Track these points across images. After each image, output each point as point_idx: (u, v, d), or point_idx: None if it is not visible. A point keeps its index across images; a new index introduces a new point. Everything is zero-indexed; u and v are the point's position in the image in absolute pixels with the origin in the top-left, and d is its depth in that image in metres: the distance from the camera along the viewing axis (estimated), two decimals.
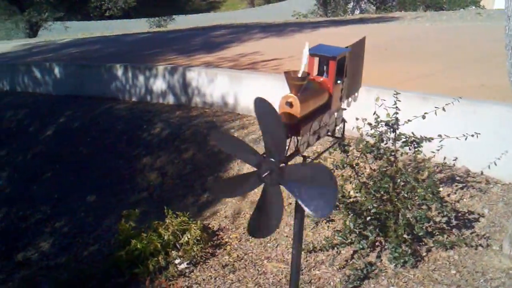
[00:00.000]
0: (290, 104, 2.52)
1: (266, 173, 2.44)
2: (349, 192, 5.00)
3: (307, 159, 2.82)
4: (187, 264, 5.07)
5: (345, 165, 4.68)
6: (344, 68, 2.87)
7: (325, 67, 2.80)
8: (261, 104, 2.39)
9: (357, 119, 4.50)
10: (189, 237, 5.12)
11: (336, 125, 3.00)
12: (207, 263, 5.11)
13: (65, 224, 7.04)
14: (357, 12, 28.53)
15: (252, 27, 17.37)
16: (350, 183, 4.95)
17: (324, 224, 5.26)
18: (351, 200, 4.86)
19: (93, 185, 7.42)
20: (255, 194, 5.92)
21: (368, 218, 4.61)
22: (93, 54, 13.37)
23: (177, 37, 16.09)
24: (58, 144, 8.72)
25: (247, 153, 2.56)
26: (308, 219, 5.15)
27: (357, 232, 4.69)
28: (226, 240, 5.49)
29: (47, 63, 11.04)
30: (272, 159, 2.41)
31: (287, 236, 5.24)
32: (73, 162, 8.15)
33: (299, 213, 2.82)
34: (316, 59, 2.74)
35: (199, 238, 5.18)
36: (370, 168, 4.90)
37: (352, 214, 4.62)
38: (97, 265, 5.84)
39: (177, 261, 5.09)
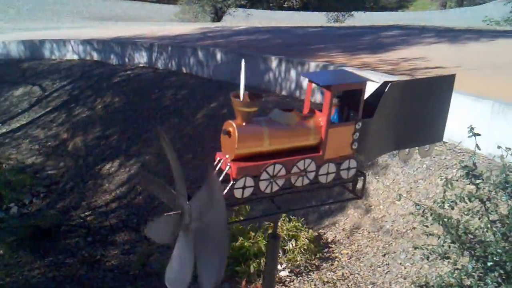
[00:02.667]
0: (228, 133, 2.15)
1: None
2: (475, 229, 4.52)
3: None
4: (289, 272, 4.96)
5: (472, 199, 4.19)
6: (360, 105, 2.29)
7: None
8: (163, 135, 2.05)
9: (499, 147, 3.97)
10: (294, 245, 5.00)
11: (348, 180, 2.42)
12: (309, 276, 4.95)
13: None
14: None
15: (427, 30, 16.58)
16: (479, 219, 4.46)
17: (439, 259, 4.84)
18: (476, 239, 4.39)
19: None
20: (380, 210, 5.63)
21: (490, 264, 4.11)
22: (260, 43, 13.61)
23: (347, 34, 15.85)
24: (205, 127, 9.01)
25: (170, 196, 2.12)
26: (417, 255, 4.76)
27: (475, 277, 4.22)
28: (336, 254, 5.27)
29: (211, 48, 11.46)
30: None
31: (400, 264, 4.89)
32: (214, 148, 8.37)
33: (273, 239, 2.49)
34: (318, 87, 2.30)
35: (305, 248, 5.04)
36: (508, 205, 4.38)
37: (472, 256, 4.16)
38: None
39: (280, 267, 5.00)
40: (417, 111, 2.46)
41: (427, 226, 4.16)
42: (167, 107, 10.32)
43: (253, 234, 5.23)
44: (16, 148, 10.92)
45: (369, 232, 5.54)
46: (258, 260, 5.05)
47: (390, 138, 2.47)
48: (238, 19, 28.04)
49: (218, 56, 11.10)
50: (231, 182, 2.15)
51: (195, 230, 1.97)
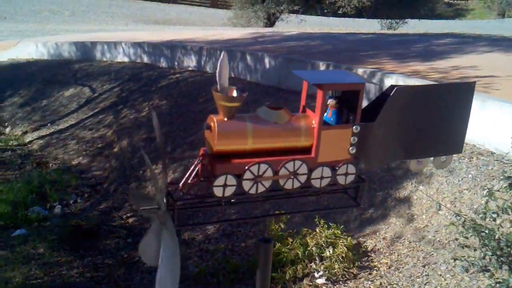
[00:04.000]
0: (209, 128, 2.04)
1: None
2: None
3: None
4: (325, 280, 4.80)
5: None
6: (358, 107, 2.12)
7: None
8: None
9: None
10: (331, 252, 4.83)
11: (347, 186, 2.27)
12: (346, 284, 4.78)
13: (234, 212, 7.14)
14: None
15: (482, 39, 16.08)
16: None
17: (477, 272, 4.59)
18: None
19: None
20: (422, 220, 5.42)
21: None
22: (310, 49, 13.46)
23: (398, 41, 15.52)
24: None
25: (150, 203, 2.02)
26: (458, 266, 4.54)
27: None
28: (375, 264, 5.08)
29: (260, 52, 11.37)
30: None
31: (440, 275, 4.67)
32: None
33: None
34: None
35: (344, 255, 4.87)
36: None
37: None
38: (247, 259, 5.84)
39: (316, 274, 4.84)
40: (431, 118, 2.27)
41: (466, 238, 4.00)
42: (214, 111, 10.24)
43: (290, 240, 5.10)
44: (63, 148, 11.06)
45: (410, 242, 5.36)
46: (294, 267, 4.92)
47: (398, 146, 2.30)
48: (291, 25, 27.94)
49: (266, 60, 11.00)
50: (211, 179, 2.03)
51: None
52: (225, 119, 2.02)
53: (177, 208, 2.06)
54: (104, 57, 15.58)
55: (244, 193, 2.10)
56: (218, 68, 2.05)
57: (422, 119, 2.26)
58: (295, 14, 29.49)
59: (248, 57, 11.58)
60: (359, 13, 29.75)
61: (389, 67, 9.88)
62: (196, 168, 2.14)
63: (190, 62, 13.21)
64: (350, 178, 2.25)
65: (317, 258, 4.93)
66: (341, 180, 2.24)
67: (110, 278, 6.02)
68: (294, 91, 9.86)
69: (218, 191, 2.05)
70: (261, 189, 2.10)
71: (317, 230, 5.10)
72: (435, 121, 2.29)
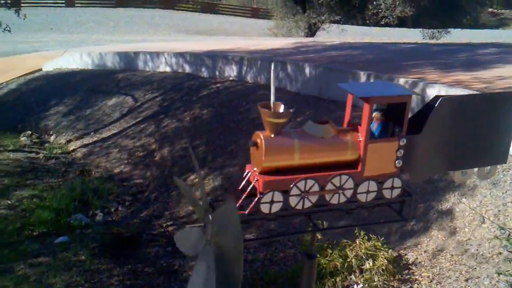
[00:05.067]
0: (256, 145, 2.00)
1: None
2: None
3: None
4: None
5: None
6: (404, 119, 2.07)
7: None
8: None
9: None
10: (371, 264, 4.75)
11: (393, 200, 2.20)
12: None
13: (274, 223, 7.12)
14: None
15: None
16: None
17: None
18: None
19: None
20: (465, 233, 5.29)
21: None
22: (351, 59, 13.37)
23: (441, 51, 15.29)
24: None
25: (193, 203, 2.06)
26: (502, 281, 4.40)
27: None
28: (417, 277, 4.98)
29: (300, 62, 11.35)
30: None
31: None
32: None
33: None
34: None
35: (384, 268, 4.78)
36: None
37: None
38: (286, 269, 5.79)
39: (356, 287, 4.77)
40: (475, 129, 2.21)
41: (511, 252, 3.88)
42: (254, 120, 10.27)
43: (330, 251, 5.03)
44: (106, 156, 11.22)
45: (452, 255, 5.24)
46: (333, 279, 4.85)
47: (442, 157, 2.24)
48: (332, 35, 27.85)
49: (307, 70, 10.97)
50: (258, 196, 2.00)
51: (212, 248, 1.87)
52: (272, 135, 1.99)
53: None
54: (147, 67, 15.78)
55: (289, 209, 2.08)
56: (271, 85, 2.04)
57: (467, 129, 2.21)
58: (336, 24, 29.36)
59: (289, 67, 11.57)
60: (402, 23, 29.41)
61: (431, 77, 9.72)
62: (243, 185, 2.13)
63: (231, 72, 13.26)
64: (396, 192, 2.21)
65: (356, 270, 4.86)
66: (387, 194, 2.20)
67: (149, 286, 6.06)
68: (335, 101, 9.79)
69: (265, 208, 2.02)
70: (307, 204, 2.08)
71: (357, 241, 5.03)
72: (480, 131, 2.23)
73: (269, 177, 2.02)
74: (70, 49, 19.73)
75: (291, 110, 2.03)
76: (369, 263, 4.82)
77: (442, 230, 5.62)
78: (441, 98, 2.12)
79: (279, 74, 11.85)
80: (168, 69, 15.14)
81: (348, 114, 2.22)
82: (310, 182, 2.04)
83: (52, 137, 13.31)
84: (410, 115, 2.15)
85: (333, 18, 28.09)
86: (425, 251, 5.42)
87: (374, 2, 25.84)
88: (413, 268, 5.19)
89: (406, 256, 5.39)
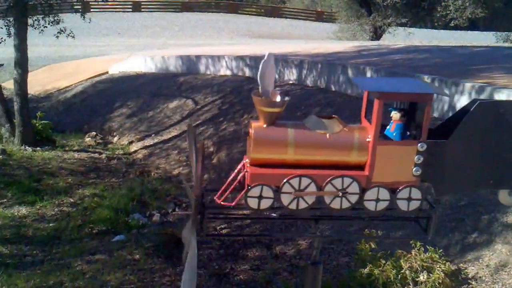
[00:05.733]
0: (249, 135, 1.90)
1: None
2: None
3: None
4: None
5: None
6: (424, 121, 1.83)
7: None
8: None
9: None
10: (425, 277, 4.54)
11: (408, 211, 1.96)
12: None
13: (329, 227, 6.99)
14: None
15: None
16: None
17: None
18: None
19: None
20: None
21: None
22: (415, 63, 13.04)
23: None
24: None
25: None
26: None
27: None
28: None
29: (361, 66, 11.15)
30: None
31: None
32: None
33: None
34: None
35: (440, 281, 4.56)
36: None
37: None
38: (338, 278, 5.65)
39: None
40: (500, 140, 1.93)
41: None
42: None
43: (383, 262, 4.86)
44: (165, 158, 11.36)
45: None
46: None
47: (482, 171, 1.95)
48: (398, 38, 27.32)
49: (368, 74, 10.76)
50: (245, 189, 1.89)
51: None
52: (264, 125, 1.88)
53: (207, 217, 1.96)
54: (208, 70, 15.91)
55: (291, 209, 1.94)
56: (260, 70, 1.90)
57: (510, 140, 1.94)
58: (403, 27, 28.81)
59: (350, 70, 11.38)
60: (473, 25, 28.57)
61: (501, 81, 9.32)
62: (238, 177, 2.02)
63: (291, 75, 13.18)
64: (414, 204, 1.97)
65: (410, 283, 4.66)
66: (402, 205, 1.97)
67: None
68: None
69: (252, 203, 1.92)
70: (302, 205, 1.92)
71: (413, 252, 4.82)
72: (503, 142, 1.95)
73: (258, 169, 1.89)
74: (135, 53, 20.14)
75: (286, 99, 1.89)
76: (423, 276, 4.61)
77: (507, 244, 5.34)
78: (478, 102, 1.90)
79: (340, 77, 11.67)
80: (228, 73, 15.21)
81: (363, 111, 2.05)
82: (305, 181, 1.88)
83: (115, 138, 13.60)
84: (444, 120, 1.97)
85: (399, 21, 27.62)
86: (487, 266, 5.15)
87: (443, 3, 25.17)
88: (473, 283, 4.94)
89: (465, 270, 5.14)
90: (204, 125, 12.16)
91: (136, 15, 41.80)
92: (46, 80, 18.94)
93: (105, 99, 16.17)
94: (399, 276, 4.69)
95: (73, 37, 13.13)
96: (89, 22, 13.90)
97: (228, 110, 12.42)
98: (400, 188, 1.95)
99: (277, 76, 13.50)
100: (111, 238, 7.55)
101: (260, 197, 1.91)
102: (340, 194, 1.93)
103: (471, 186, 2.12)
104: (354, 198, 1.94)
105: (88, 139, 13.38)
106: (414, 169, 1.92)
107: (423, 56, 14.86)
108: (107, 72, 18.83)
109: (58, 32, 12.89)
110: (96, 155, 12.05)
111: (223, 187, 1.99)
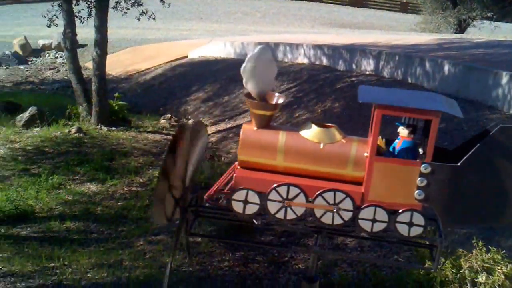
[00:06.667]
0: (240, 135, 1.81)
1: None
2: None
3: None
4: None
5: None
6: (429, 141, 1.66)
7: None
8: None
9: None
10: (484, 279, 4.38)
11: (409, 236, 1.79)
12: None
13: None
14: None
15: None
16: None
17: None
18: None
19: None
20: None
21: None
22: (496, 58, 12.52)
23: None
24: None
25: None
26: None
27: None
28: None
29: (439, 59, 10.82)
30: None
31: None
32: None
33: None
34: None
35: (500, 284, 4.39)
36: None
37: None
38: (396, 273, 5.57)
39: None
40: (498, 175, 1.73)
41: None
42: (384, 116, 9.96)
43: (443, 260, 4.73)
44: (236, 143, 11.44)
45: None
46: None
47: (499, 203, 1.72)
48: (483, 32, 26.30)
49: (446, 67, 10.44)
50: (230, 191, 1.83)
51: None
52: (255, 128, 1.82)
53: (191, 212, 1.92)
54: (286, 58, 15.89)
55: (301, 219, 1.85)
56: (246, 65, 1.79)
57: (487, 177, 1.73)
58: (488, 21, 27.70)
59: (427, 63, 11.07)
60: None
61: None
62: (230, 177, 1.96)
63: (368, 66, 12.97)
64: (416, 230, 1.82)
65: (468, 284, 4.51)
66: (402, 230, 1.83)
67: (257, 275, 6.09)
68: (473, 101, 9.23)
69: (237, 206, 1.89)
70: (290, 215, 1.85)
71: (474, 252, 4.67)
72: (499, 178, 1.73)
73: (245, 172, 1.85)
74: (215, 38, 20.38)
75: (279, 102, 1.80)
76: (482, 277, 4.45)
77: None
78: (500, 125, 1.71)
79: (417, 70, 11.39)
80: (305, 61, 15.13)
81: (372, 124, 1.89)
82: (294, 190, 1.80)
83: (190, 122, 13.85)
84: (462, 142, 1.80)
85: (485, 15, 26.57)
86: None
87: None
88: None
89: None
90: (278, 112, 12.17)
91: (220, 1, 42.22)
92: (128, 61, 19.51)
93: (182, 82, 16.48)
94: (458, 275, 4.56)
95: (154, 19, 13.42)
96: (168, 7, 14.12)
97: (303, 98, 12.38)
98: (400, 211, 1.82)
99: (354, 67, 13.31)
100: (175, 220, 7.71)
101: (245, 202, 1.87)
102: (335, 210, 1.82)
103: (484, 220, 1.90)
104: (347, 216, 1.84)
105: (163, 121, 13.68)
106: (416, 192, 1.80)
107: (505, 51, 14.25)
108: (186, 56, 19.16)
109: (140, 14, 13.24)
110: (169, 137, 12.32)
111: (214, 187, 1.96)
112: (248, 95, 1.84)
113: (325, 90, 12.41)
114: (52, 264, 6.36)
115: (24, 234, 7.23)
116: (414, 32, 29.03)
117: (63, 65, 20.01)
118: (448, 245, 5.08)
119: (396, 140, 1.90)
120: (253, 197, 1.88)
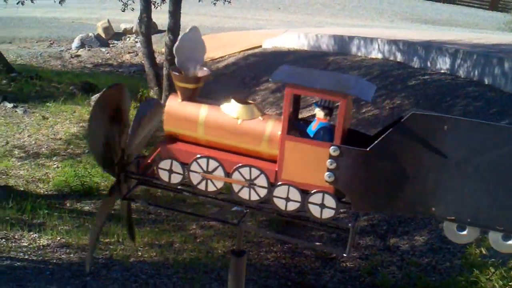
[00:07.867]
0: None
1: None
2: None
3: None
4: None
5: None
6: (337, 124, 1.66)
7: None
8: None
9: None
10: None
11: (321, 218, 1.77)
12: None
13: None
14: None
15: None
16: None
17: None
18: None
19: None
20: None
21: None
22: None
23: None
24: None
25: None
26: None
27: None
28: None
29: None
30: None
31: None
32: None
33: None
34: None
35: None
36: None
37: None
38: (446, 280, 5.36)
39: None
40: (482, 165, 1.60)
41: None
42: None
43: (492, 270, 4.51)
44: None
45: None
46: None
47: (407, 192, 1.67)
48: None
49: None
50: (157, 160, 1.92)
51: None
52: (179, 100, 1.89)
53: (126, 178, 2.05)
54: (359, 52, 15.61)
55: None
56: (177, 42, 1.91)
57: (473, 162, 1.62)
58: None
59: (506, 63, 10.58)
60: None
61: None
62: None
63: (443, 64, 12.54)
64: (328, 212, 1.83)
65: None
66: (314, 211, 1.84)
67: (302, 269, 6.02)
68: None
69: (163, 175, 1.93)
70: (211, 187, 1.91)
71: None
72: (485, 172, 1.62)
73: (169, 142, 1.91)
74: (290, 29, 20.27)
75: (202, 76, 1.89)
76: None
77: None
78: (411, 113, 1.67)
79: (494, 70, 10.90)
80: (379, 56, 14.82)
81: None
82: (213, 163, 1.85)
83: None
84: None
85: None
86: None
87: None
88: None
89: None
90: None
91: None
92: None
93: (254, 72, 16.50)
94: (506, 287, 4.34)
95: (229, 2, 13.53)
96: None
97: None
98: (312, 192, 1.82)
99: (429, 64, 12.90)
100: (231, 207, 7.74)
101: (170, 171, 1.92)
102: (247, 184, 1.85)
103: (395, 208, 1.83)
104: (262, 192, 1.88)
105: None
106: (326, 174, 1.78)
107: None
108: (260, 46, 19.16)
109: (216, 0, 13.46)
110: None
111: (152, 155, 2.04)
112: (176, 69, 1.92)
113: (395, 86, 12.10)
114: (107, 240, 6.53)
115: (86, 209, 7.47)
116: (502, 31, 27.84)
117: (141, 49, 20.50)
118: (499, 257, 4.82)
119: (312, 122, 1.88)
120: (177, 167, 1.95)
